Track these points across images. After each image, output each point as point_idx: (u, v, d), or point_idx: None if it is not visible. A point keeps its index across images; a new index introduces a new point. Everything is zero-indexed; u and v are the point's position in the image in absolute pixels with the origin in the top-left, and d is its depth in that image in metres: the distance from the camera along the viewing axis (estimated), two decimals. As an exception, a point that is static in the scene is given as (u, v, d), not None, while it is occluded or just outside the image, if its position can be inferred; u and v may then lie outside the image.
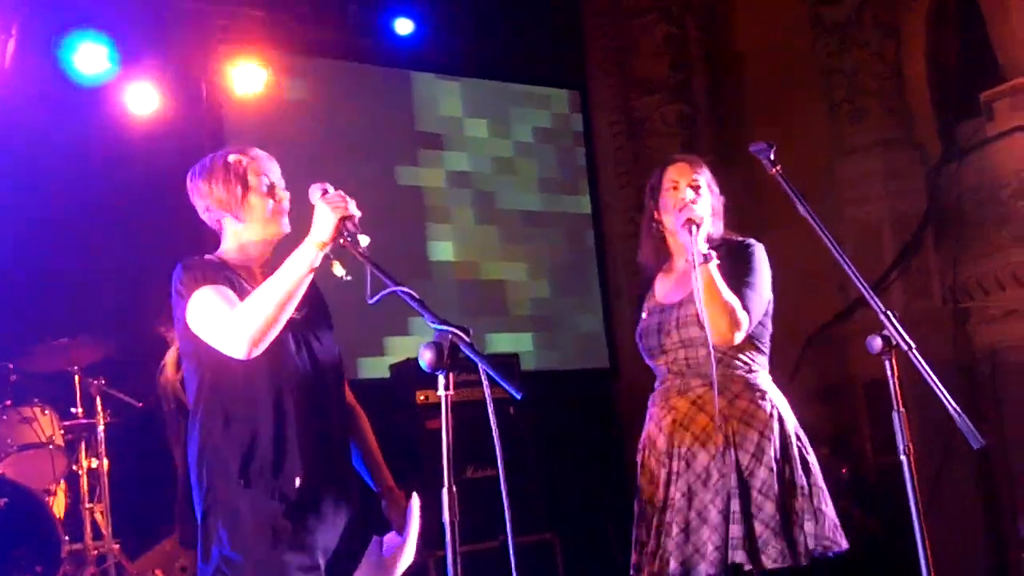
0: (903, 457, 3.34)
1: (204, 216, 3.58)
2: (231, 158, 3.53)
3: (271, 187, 3.51)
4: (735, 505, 3.77)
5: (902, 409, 3.36)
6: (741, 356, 3.97)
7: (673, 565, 3.76)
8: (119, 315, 6.76)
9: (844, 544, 3.89)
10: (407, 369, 7.53)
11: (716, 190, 4.16)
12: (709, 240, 3.99)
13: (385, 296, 3.18)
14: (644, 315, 4.10)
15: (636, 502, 4.04)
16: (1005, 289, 7.77)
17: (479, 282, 8.93)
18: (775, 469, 3.83)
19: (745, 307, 3.88)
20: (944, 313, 8.02)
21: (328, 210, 3.19)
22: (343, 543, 3.44)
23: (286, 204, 3.54)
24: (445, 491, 2.89)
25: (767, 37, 9.34)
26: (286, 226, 3.55)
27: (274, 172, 3.57)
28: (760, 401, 3.93)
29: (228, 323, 3.22)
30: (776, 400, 3.99)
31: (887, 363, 3.38)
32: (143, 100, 7.59)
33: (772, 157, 3.73)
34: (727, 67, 9.70)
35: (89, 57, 7.35)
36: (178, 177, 7.35)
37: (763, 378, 4.02)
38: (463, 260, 8.92)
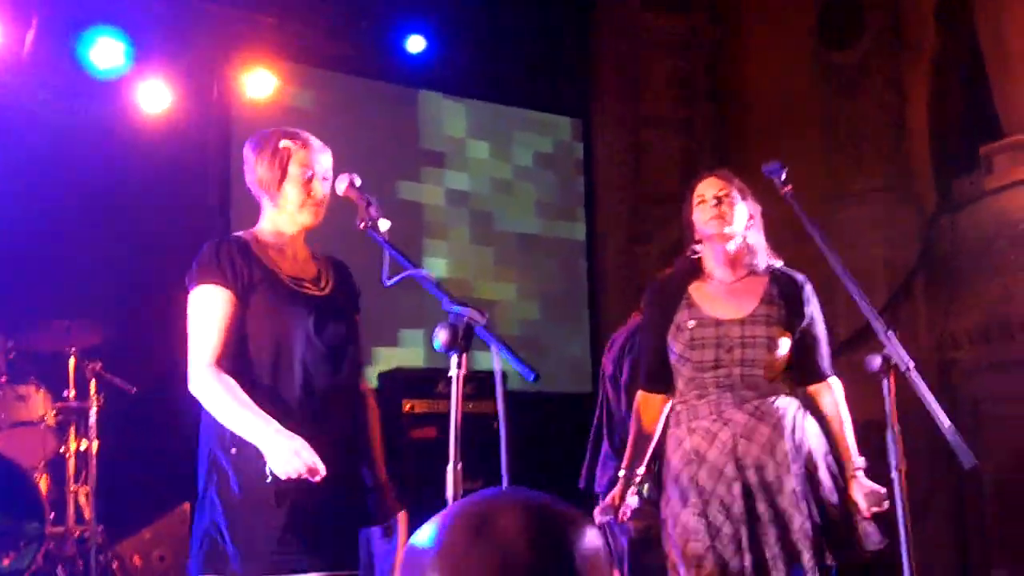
0: (895, 473, 3.39)
1: (249, 185, 3.67)
2: (282, 143, 3.60)
3: (310, 179, 3.57)
4: (811, 509, 3.82)
5: (896, 427, 3.41)
6: (785, 373, 4.02)
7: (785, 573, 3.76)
8: (119, 301, 6.82)
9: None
10: (395, 378, 7.60)
11: (751, 200, 4.16)
12: (754, 262, 4.09)
13: (402, 279, 3.24)
14: (692, 324, 4.01)
15: (688, 518, 3.88)
16: (991, 342, 7.82)
17: (470, 300, 8.93)
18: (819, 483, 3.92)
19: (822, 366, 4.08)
20: (930, 362, 8.05)
21: (282, 458, 3.21)
22: (344, 527, 3.49)
23: (321, 197, 3.60)
24: (450, 469, 2.95)
25: (772, 77, 9.41)
26: (317, 218, 3.61)
27: (321, 163, 3.63)
28: (805, 421, 3.98)
29: (197, 368, 3.35)
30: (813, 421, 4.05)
31: (884, 382, 3.44)
32: (155, 97, 7.68)
33: (784, 178, 3.80)
34: (731, 105, 9.79)
35: (105, 52, 7.43)
36: (183, 172, 7.52)
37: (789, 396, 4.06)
38: (456, 277, 8.98)
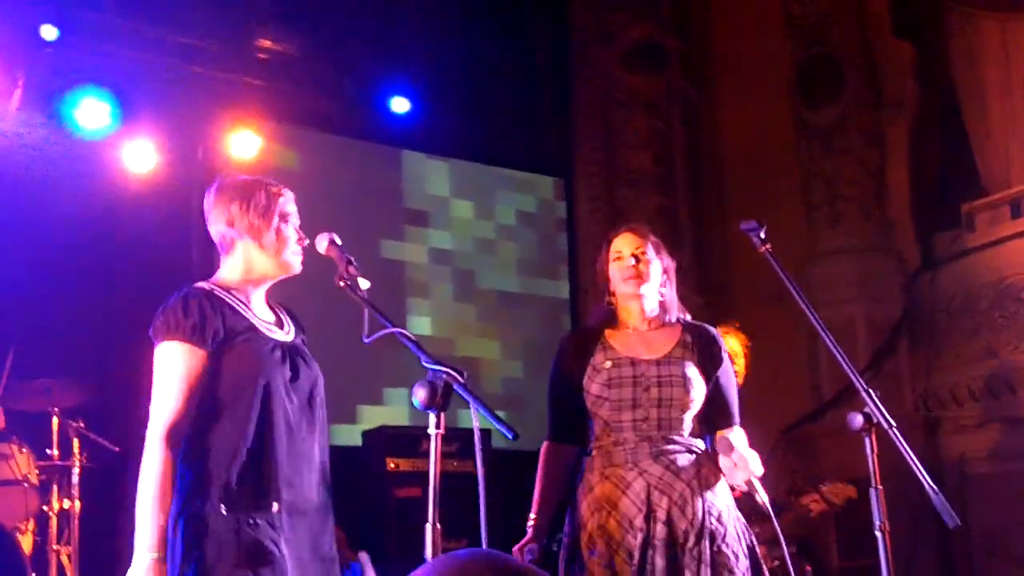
0: (878, 533, 3.38)
1: (218, 233, 3.52)
2: (271, 188, 3.52)
3: (298, 224, 3.55)
4: (706, 573, 3.80)
5: (879, 487, 3.41)
6: (686, 427, 4.01)
7: None
8: (102, 362, 6.82)
9: None
10: (379, 437, 7.59)
11: (665, 255, 4.17)
12: (667, 316, 4.11)
13: (381, 336, 3.25)
14: (608, 364, 3.99)
15: (595, 568, 3.85)
16: (978, 400, 7.84)
17: (454, 358, 8.94)
18: (739, 542, 3.91)
19: (734, 412, 4.11)
20: (915, 420, 8.06)
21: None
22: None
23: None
24: (429, 527, 2.95)
25: (750, 135, 9.49)
26: (298, 264, 3.56)
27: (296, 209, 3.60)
28: (718, 477, 3.98)
29: (150, 438, 3.22)
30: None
31: (867, 440, 3.43)
32: (141, 157, 7.68)
33: (763, 236, 3.81)
34: (709, 162, 9.85)
35: (91, 112, 7.45)
36: (168, 232, 7.52)
37: (702, 447, 4.06)
38: (440, 336, 8.98)
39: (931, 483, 3.30)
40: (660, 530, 3.80)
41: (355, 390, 8.18)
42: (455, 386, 2.99)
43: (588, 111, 10.01)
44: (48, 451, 6.56)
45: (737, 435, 4.01)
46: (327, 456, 3.55)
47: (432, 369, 3.03)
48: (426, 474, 2.99)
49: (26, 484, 6.33)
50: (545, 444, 4.15)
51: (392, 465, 7.26)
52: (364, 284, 3.36)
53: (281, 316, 3.62)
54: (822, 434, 8.29)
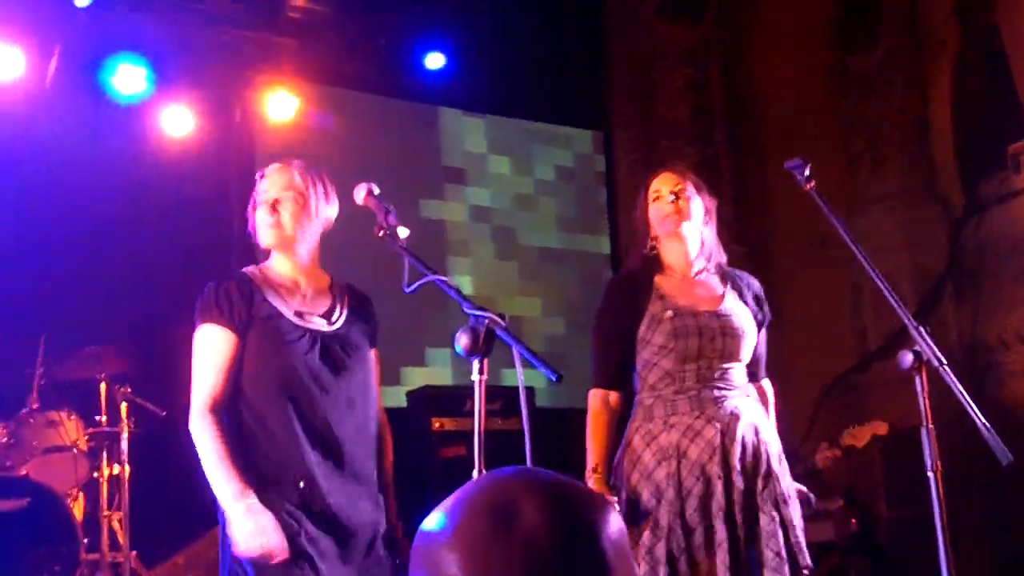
0: (930, 474, 3.35)
1: None
2: (257, 175, 3.69)
3: (262, 203, 3.60)
4: (787, 512, 3.81)
5: (931, 426, 3.37)
6: (742, 375, 4.03)
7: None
8: (146, 327, 6.88)
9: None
10: (423, 396, 7.59)
11: (706, 194, 4.13)
12: (709, 259, 4.10)
13: (422, 285, 3.24)
14: (669, 314, 3.94)
15: (662, 516, 3.78)
16: (1024, 345, 7.76)
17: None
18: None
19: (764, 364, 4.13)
20: (963, 368, 7.97)
21: (242, 536, 3.24)
22: (365, 566, 3.47)
23: (275, 218, 3.58)
24: (475, 475, 2.93)
25: (789, 83, 9.38)
26: (273, 240, 3.61)
27: (271, 186, 3.61)
28: (769, 416, 4.04)
29: (195, 411, 3.39)
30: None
31: (917, 379, 3.40)
32: (178, 122, 7.73)
33: (807, 173, 3.77)
34: (748, 112, 9.75)
35: (127, 78, 7.50)
36: (207, 196, 7.54)
37: (754, 393, 4.09)
38: (481, 294, 8.95)
39: (983, 419, 3.26)
40: (736, 476, 3.80)
41: (398, 352, 8.18)
42: (497, 331, 2.96)
43: (625, 63, 9.92)
44: (96, 418, 6.63)
45: (768, 394, 4.11)
46: (372, 441, 3.61)
47: (474, 315, 3.00)
48: (470, 433, 2.97)
49: (75, 451, 6.39)
50: (596, 392, 4.05)
51: (437, 425, 7.26)
52: (403, 233, 3.36)
53: (338, 303, 3.67)
54: (867, 385, 8.23)
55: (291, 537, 3.28)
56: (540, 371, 2.91)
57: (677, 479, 3.81)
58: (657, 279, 4.06)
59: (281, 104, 8.07)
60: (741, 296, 4.06)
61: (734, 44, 9.84)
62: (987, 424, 3.27)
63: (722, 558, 3.70)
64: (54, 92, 7.32)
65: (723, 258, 4.15)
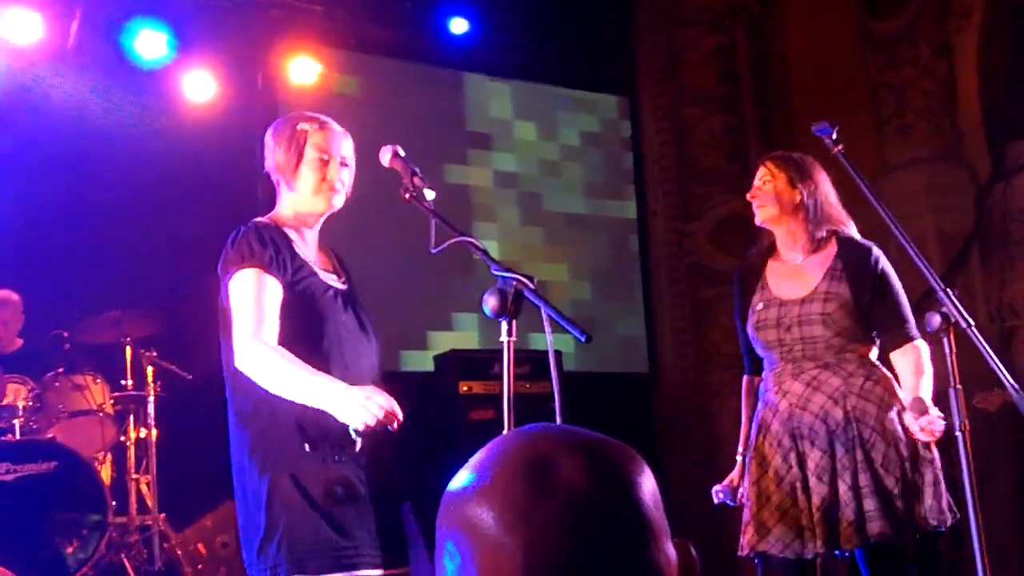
0: (958, 434, 3.35)
1: (269, 172, 3.62)
2: (300, 126, 3.54)
3: (326, 162, 3.51)
4: (863, 479, 3.83)
5: (959, 386, 3.37)
6: (855, 341, 4.04)
7: (818, 544, 3.83)
8: (171, 291, 6.88)
9: (950, 519, 3.93)
10: (450, 360, 7.59)
11: (806, 178, 4.17)
12: (817, 234, 4.14)
13: (449, 246, 3.24)
14: (760, 307, 4.16)
15: (749, 486, 4.06)
16: (1052, 309, 7.74)
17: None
18: (894, 443, 3.92)
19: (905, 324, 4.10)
20: (989, 333, 7.95)
21: (355, 410, 3.11)
22: (396, 522, 3.45)
23: (340, 184, 3.54)
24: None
25: (816, 49, 9.32)
26: (335, 204, 3.55)
27: (341, 148, 3.57)
28: (875, 378, 4.02)
29: (246, 340, 3.24)
30: (888, 377, 4.07)
31: (944, 340, 3.40)
32: (200, 87, 7.71)
33: (835, 137, 3.76)
34: (775, 78, 9.70)
35: (149, 43, 7.47)
36: (230, 160, 7.54)
37: (874, 357, 4.11)
38: (507, 259, 8.89)
39: (1011, 380, 3.25)
40: (807, 447, 3.93)
41: (424, 316, 8.18)
42: (526, 292, 2.96)
43: (651, 28, 9.85)
44: (123, 382, 6.65)
45: (918, 349, 4.06)
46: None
47: (502, 276, 3.00)
48: (498, 396, 2.98)
49: (102, 414, 6.41)
50: (744, 379, 4.37)
51: (465, 388, 7.27)
52: (430, 195, 3.36)
53: (334, 262, 3.64)
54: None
55: (348, 490, 3.26)
56: (569, 332, 2.91)
57: (762, 453, 4.03)
58: (769, 265, 4.26)
59: (304, 69, 8.04)
60: (842, 273, 4.08)
61: (761, 10, 9.78)
62: (1016, 385, 3.27)
63: (796, 524, 3.88)
64: (75, 57, 7.31)
65: (843, 228, 4.20)
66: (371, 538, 3.30)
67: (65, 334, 6.47)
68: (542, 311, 2.94)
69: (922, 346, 4.07)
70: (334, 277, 3.53)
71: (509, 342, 2.96)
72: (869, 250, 4.15)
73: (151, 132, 7.29)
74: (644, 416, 9.04)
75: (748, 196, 4.22)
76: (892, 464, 3.86)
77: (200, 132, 7.51)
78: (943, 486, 3.94)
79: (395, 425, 3.15)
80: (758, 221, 4.19)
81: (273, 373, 3.20)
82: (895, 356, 4.10)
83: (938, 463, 3.95)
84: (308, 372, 3.18)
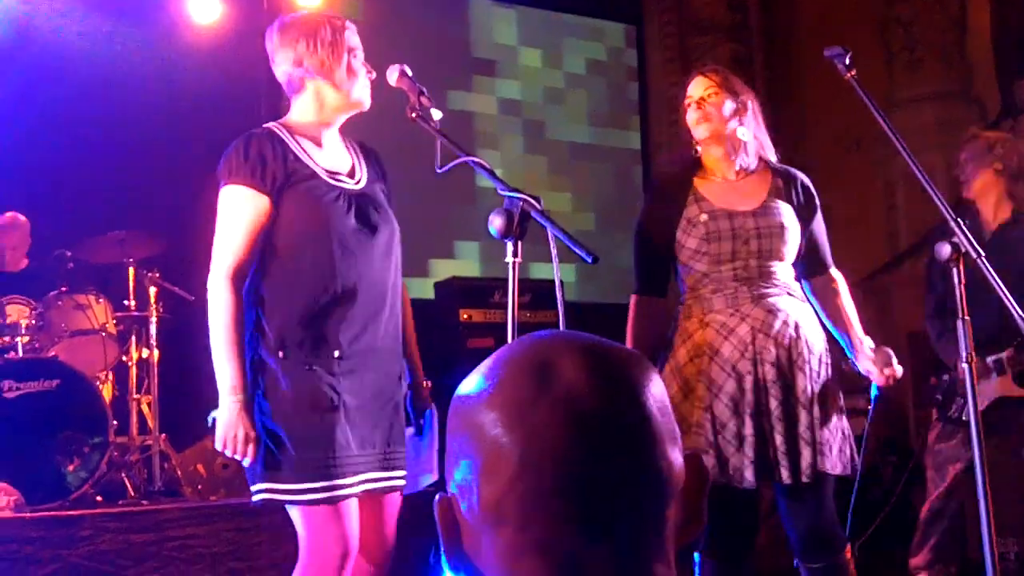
0: (964, 365, 3.33)
1: (285, 73, 3.47)
2: (336, 22, 3.48)
3: (365, 63, 3.49)
4: (816, 412, 3.75)
5: (967, 317, 3.35)
6: (786, 273, 3.96)
7: (785, 474, 3.69)
8: (175, 212, 6.86)
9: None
10: (450, 288, 7.59)
11: (738, 94, 3.98)
12: (749, 158, 3.97)
13: (455, 166, 3.21)
14: (704, 217, 3.87)
15: (691, 412, 3.77)
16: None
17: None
18: (835, 379, 3.88)
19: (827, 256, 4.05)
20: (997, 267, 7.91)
21: (223, 426, 3.18)
22: (393, 426, 3.42)
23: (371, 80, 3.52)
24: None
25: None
26: (367, 101, 3.51)
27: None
28: (810, 307, 3.96)
29: (212, 276, 3.27)
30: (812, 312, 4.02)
31: (954, 270, 3.37)
32: (205, 9, 7.64)
33: (848, 62, 3.70)
34: (782, 10, 9.63)
35: (152, -37, 7.41)
36: (234, 82, 7.49)
37: (799, 291, 4.01)
38: (510, 188, 8.92)
39: (1019, 310, 3.23)
40: (769, 371, 3.75)
41: (426, 244, 8.18)
42: (532, 212, 2.93)
43: (658, -45, 9.79)
44: (125, 302, 6.64)
45: (838, 282, 4.03)
46: (399, 303, 3.54)
47: (508, 196, 2.97)
48: (497, 325, 2.96)
49: (104, 334, 6.41)
50: (634, 298, 4.04)
51: (465, 316, 7.25)
52: (437, 115, 3.32)
53: (357, 161, 3.57)
54: (898, 284, 8.19)
55: (324, 400, 3.23)
56: (576, 253, 2.88)
57: (708, 376, 3.79)
58: (696, 182, 3.98)
59: (310, -10, 7.96)
60: (787, 192, 3.95)
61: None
62: (1021, 314, 3.25)
63: (748, 453, 3.69)
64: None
65: (771, 156, 4.06)
66: (365, 440, 3.30)
67: (68, 253, 6.47)
68: (548, 231, 2.91)
69: (840, 276, 4.05)
70: (348, 179, 3.47)
71: (514, 263, 2.94)
72: (804, 178, 4.04)
73: (156, 54, 7.26)
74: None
75: (690, 106, 3.95)
76: (838, 401, 3.84)
77: (205, 54, 7.48)
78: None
79: (239, 458, 3.22)
80: (700, 135, 3.92)
81: (214, 324, 3.24)
82: (817, 282, 4.02)
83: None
84: (228, 347, 3.21)
